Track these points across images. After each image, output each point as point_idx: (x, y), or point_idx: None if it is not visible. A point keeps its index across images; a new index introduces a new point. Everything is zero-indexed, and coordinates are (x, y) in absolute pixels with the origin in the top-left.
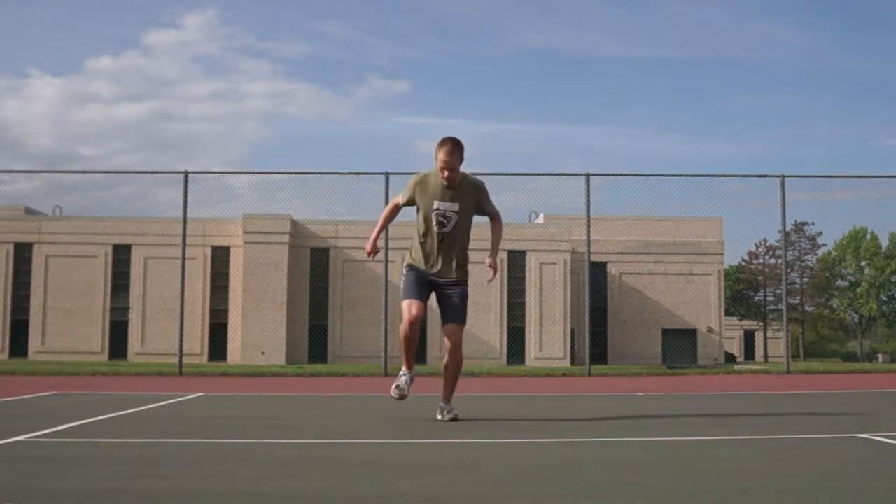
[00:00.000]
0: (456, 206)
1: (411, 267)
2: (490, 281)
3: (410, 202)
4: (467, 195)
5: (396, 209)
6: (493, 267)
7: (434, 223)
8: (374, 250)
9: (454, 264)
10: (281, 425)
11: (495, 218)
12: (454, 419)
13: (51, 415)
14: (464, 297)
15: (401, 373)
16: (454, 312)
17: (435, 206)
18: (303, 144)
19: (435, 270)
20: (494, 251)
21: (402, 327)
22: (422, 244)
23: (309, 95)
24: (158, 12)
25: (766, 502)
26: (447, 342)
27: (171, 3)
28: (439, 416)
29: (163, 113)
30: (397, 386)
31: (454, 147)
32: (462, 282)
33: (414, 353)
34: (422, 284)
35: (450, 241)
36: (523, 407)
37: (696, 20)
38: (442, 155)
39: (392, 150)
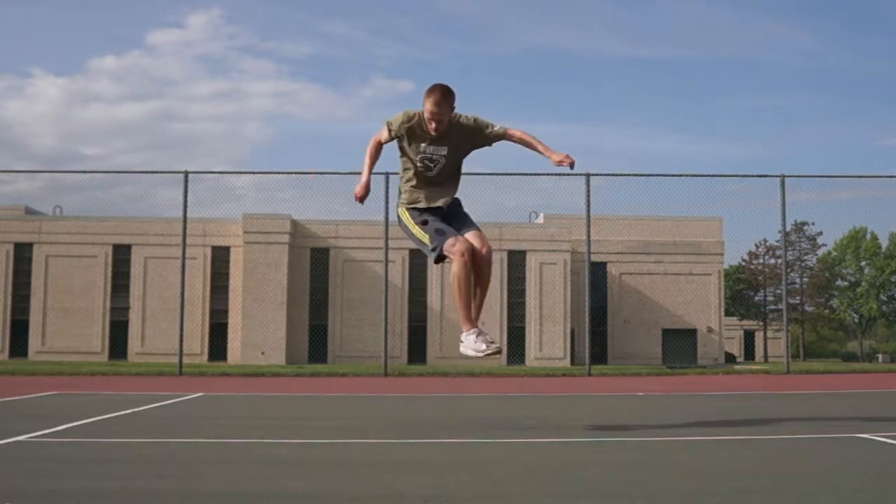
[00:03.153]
0: (444, 150)
1: (412, 208)
2: (572, 166)
3: (396, 138)
4: (457, 137)
5: (380, 147)
6: (564, 160)
7: (420, 166)
8: (366, 193)
9: (452, 192)
10: (281, 425)
11: (513, 135)
12: (496, 351)
13: (51, 415)
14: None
15: (470, 331)
16: (469, 222)
17: (422, 149)
18: (305, 144)
19: (433, 202)
20: (545, 148)
21: (458, 267)
22: (413, 185)
23: (312, 95)
24: (162, 12)
25: (767, 502)
26: (481, 247)
27: (175, 2)
28: (483, 347)
29: (165, 113)
30: (487, 342)
31: (442, 97)
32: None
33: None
34: (436, 216)
35: (443, 176)
36: (523, 407)
37: (696, 20)
38: (429, 106)
39: (394, 151)
